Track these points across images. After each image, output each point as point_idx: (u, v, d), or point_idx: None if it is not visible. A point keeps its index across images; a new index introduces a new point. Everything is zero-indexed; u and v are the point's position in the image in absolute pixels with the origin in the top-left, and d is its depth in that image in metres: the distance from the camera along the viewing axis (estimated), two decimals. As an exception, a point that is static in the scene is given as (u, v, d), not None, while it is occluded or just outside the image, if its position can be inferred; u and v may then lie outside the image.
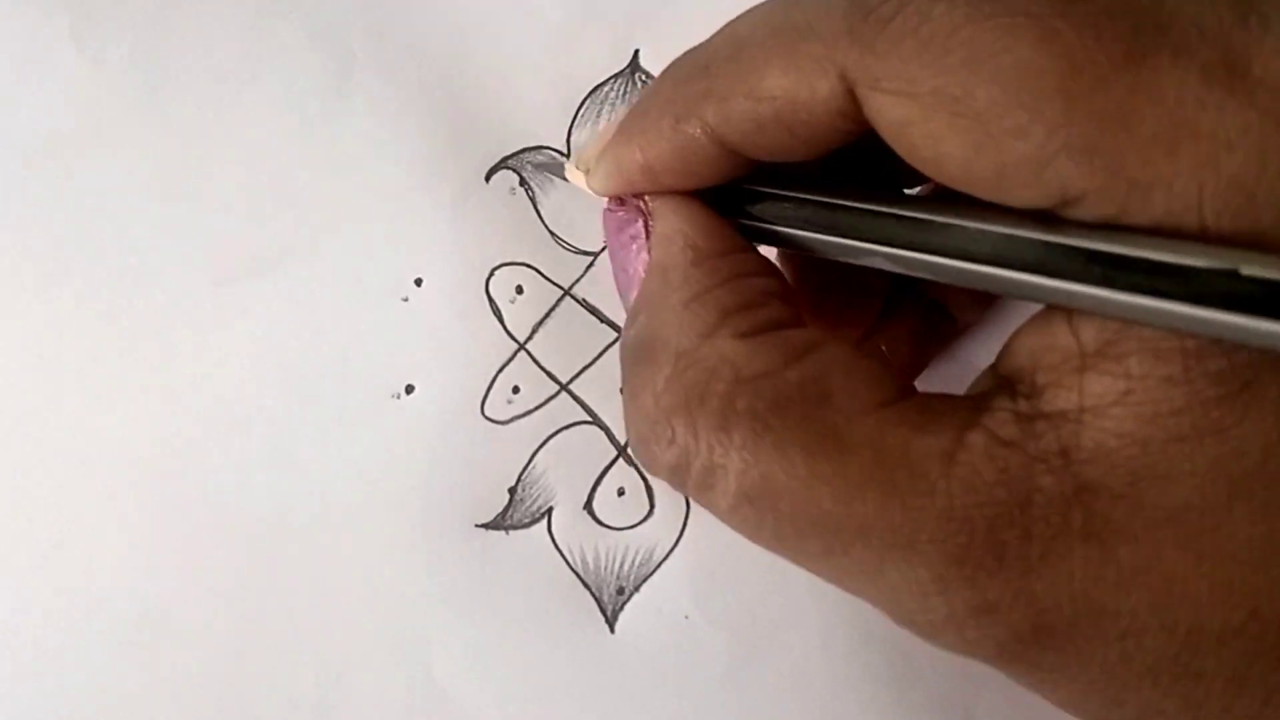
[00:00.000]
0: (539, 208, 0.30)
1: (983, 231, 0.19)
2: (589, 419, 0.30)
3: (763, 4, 0.22)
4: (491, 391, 0.29)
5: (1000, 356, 0.21)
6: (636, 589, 0.29)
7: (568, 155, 0.30)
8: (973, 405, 0.20)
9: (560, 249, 0.30)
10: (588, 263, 0.30)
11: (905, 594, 0.19)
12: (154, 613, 0.28)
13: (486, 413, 0.29)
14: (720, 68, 0.21)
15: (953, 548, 0.18)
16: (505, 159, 0.30)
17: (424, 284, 0.29)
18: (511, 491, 0.29)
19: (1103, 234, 0.18)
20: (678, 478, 0.21)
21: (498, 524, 0.29)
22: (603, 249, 0.30)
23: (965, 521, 0.18)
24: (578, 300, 0.30)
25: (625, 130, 0.24)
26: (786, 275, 0.25)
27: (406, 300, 0.29)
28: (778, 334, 0.21)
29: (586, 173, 0.25)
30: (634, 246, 0.24)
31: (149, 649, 0.28)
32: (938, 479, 0.19)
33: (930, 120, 0.18)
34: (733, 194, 0.23)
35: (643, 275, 0.23)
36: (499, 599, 0.29)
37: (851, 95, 0.19)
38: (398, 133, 0.29)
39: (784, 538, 0.20)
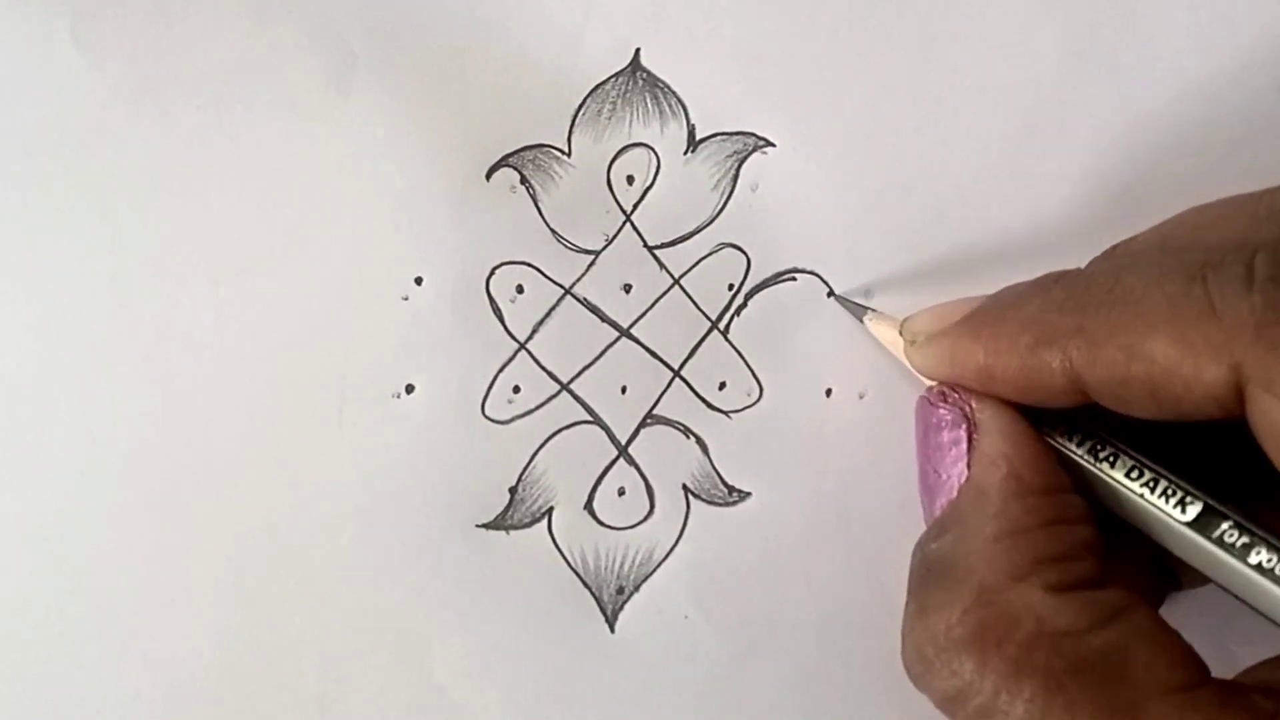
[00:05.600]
0: (540, 206, 0.30)
1: None
2: (589, 419, 0.30)
3: (1159, 263, 0.21)
4: (492, 391, 0.29)
5: None
6: (636, 589, 0.29)
7: (568, 154, 0.30)
8: (1275, 705, 0.19)
9: (561, 248, 0.30)
10: (589, 261, 0.30)
11: None
12: (153, 613, 0.29)
13: (487, 412, 0.29)
14: (1100, 310, 0.21)
15: None
16: (506, 157, 0.30)
17: (424, 283, 0.29)
18: (512, 491, 0.29)
19: None
20: (949, 706, 0.21)
21: (498, 524, 0.29)
22: (604, 248, 0.30)
23: None
24: (579, 299, 0.30)
25: (974, 326, 0.24)
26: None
27: (406, 300, 0.29)
28: (1087, 594, 0.21)
29: (911, 342, 0.25)
30: (952, 452, 0.24)
31: (148, 649, 0.29)
32: None
33: None
34: (1065, 416, 0.24)
35: (956, 487, 0.23)
36: (499, 599, 0.29)
37: (1238, 389, 0.19)
38: (398, 133, 0.29)
39: None
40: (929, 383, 0.26)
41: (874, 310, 0.29)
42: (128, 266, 0.29)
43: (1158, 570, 0.26)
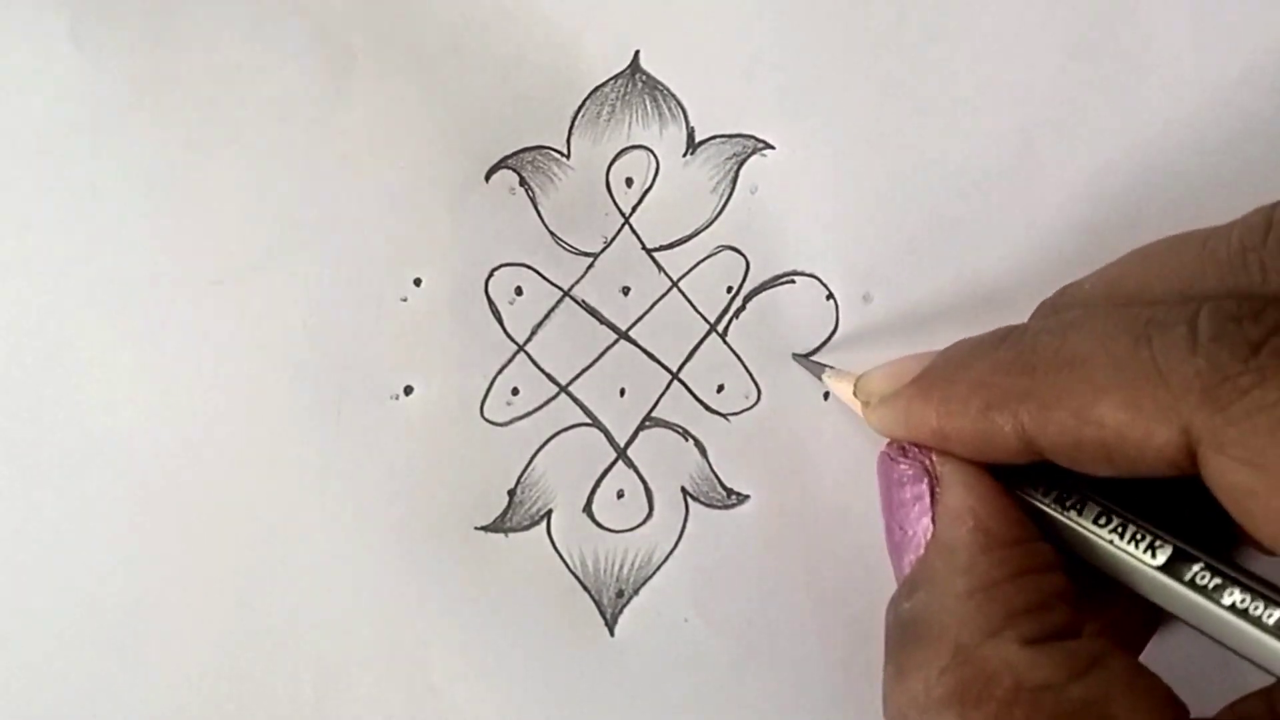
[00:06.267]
0: (539, 208, 0.30)
1: None
2: (588, 421, 0.30)
3: (1103, 322, 0.21)
4: (491, 393, 0.29)
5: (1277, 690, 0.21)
6: (636, 592, 0.29)
7: (567, 156, 0.30)
8: None
9: (560, 250, 0.30)
10: (588, 264, 0.30)
11: None
12: (152, 613, 0.28)
13: (486, 414, 0.29)
14: (1049, 374, 0.21)
15: None
16: (505, 158, 0.30)
17: (423, 284, 0.29)
18: (511, 494, 0.29)
19: None
20: None
21: (497, 526, 0.29)
22: (603, 250, 0.30)
23: None
24: (577, 301, 0.30)
25: (925, 388, 0.24)
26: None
27: (405, 301, 0.29)
28: (1063, 645, 0.21)
29: (865, 403, 0.26)
30: (915, 508, 0.24)
31: (147, 650, 0.28)
32: None
33: (1276, 497, 0.19)
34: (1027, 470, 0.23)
35: (923, 544, 0.23)
36: (498, 602, 0.29)
37: (1189, 450, 0.19)
38: (398, 133, 0.29)
39: None
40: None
41: (831, 368, 0.29)
42: (128, 266, 0.29)
43: (1142, 607, 0.26)
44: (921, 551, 0.23)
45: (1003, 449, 0.22)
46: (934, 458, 0.24)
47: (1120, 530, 0.23)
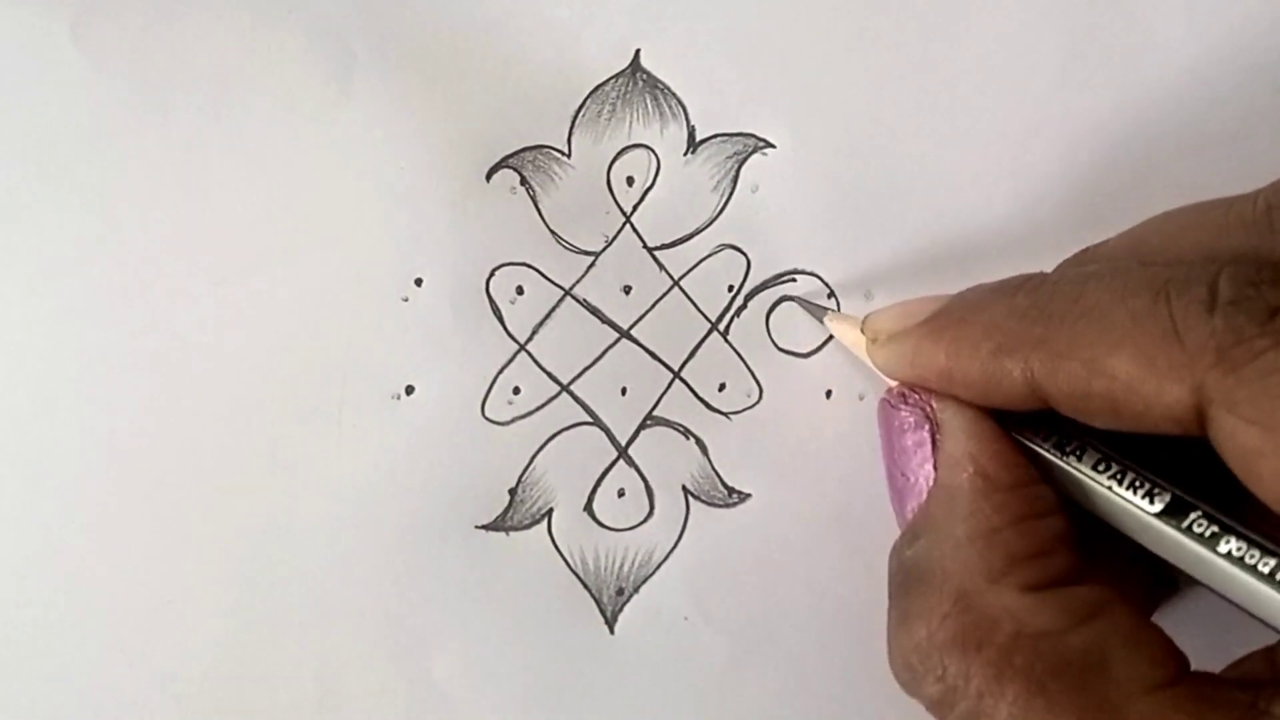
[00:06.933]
0: (540, 207, 0.30)
1: None
2: (589, 420, 0.30)
3: (1124, 276, 0.21)
4: (492, 392, 0.29)
5: None
6: (636, 590, 0.29)
7: (568, 155, 0.30)
8: (1252, 697, 0.20)
9: (561, 249, 0.30)
10: (589, 263, 0.30)
11: None
12: (153, 613, 0.29)
13: (487, 414, 0.29)
14: (1064, 323, 0.21)
15: None
16: (506, 158, 0.30)
17: (424, 284, 0.29)
18: (512, 493, 0.29)
19: None
20: (939, 710, 0.21)
21: (498, 525, 0.29)
22: (604, 249, 0.30)
23: None
24: (578, 300, 0.30)
25: (936, 328, 0.24)
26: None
27: (406, 300, 0.29)
28: (1064, 591, 0.21)
29: (873, 340, 0.25)
30: (917, 454, 0.24)
31: (148, 649, 0.28)
32: None
33: None
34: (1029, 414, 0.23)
35: (924, 490, 0.23)
36: (499, 600, 0.29)
37: (1198, 410, 0.20)
38: (398, 133, 0.29)
39: None
40: (891, 383, 0.26)
41: (833, 310, 0.29)
42: (128, 266, 0.29)
43: (1156, 574, 0.26)
44: (923, 498, 0.24)
45: (1009, 394, 0.22)
46: (934, 404, 0.24)
47: (1119, 477, 0.23)
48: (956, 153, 0.30)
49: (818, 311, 0.29)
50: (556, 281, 0.30)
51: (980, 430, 0.23)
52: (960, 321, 0.23)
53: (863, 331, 0.26)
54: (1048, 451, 0.24)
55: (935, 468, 0.23)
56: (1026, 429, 0.24)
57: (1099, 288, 0.21)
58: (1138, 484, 0.23)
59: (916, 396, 0.24)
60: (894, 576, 0.23)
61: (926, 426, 0.24)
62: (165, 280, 0.29)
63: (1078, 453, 0.23)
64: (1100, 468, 0.23)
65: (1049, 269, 0.26)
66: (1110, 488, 0.23)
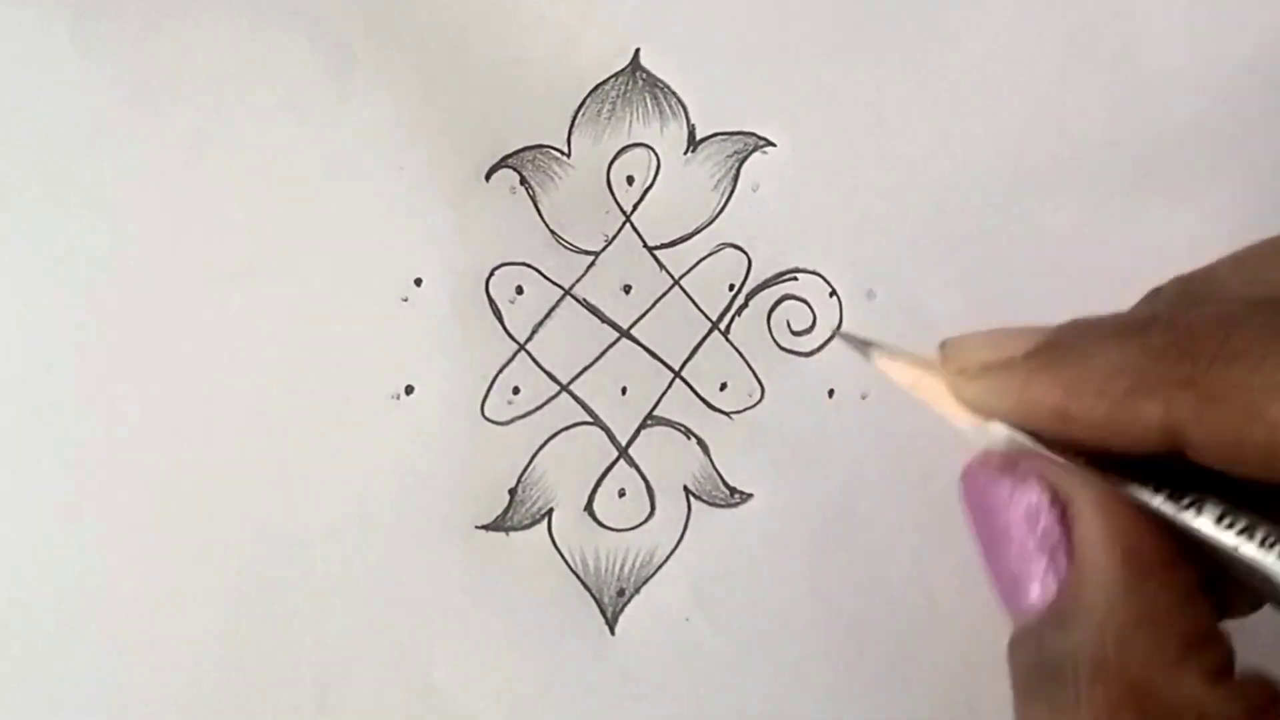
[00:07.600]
0: (539, 207, 0.30)
1: None
2: (589, 420, 0.30)
3: (1271, 316, 0.19)
4: (491, 392, 0.29)
5: None
6: (637, 591, 0.29)
7: (568, 154, 0.30)
8: None
9: (561, 248, 0.30)
10: (588, 262, 0.30)
11: None
12: (153, 613, 0.28)
13: (487, 413, 0.29)
14: (1213, 364, 0.19)
15: None
16: (506, 157, 0.30)
17: (424, 284, 0.29)
18: (512, 493, 0.29)
19: None
20: None
21: (498, 525, 0.29)
22: (604, 248, 0.30)
23: None
24: (578, 300, 0.30)
25: (1050, 363, 0.21)
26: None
27: (406, 300, 0.29)
28: (1247, 682, 0.19)
29: (960, 371, 0.22)
30: (1038, 535, 0.21)
31: (148, 649, 0.28)
32: None
33: None
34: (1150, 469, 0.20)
35: (1047, 572, 0.21)
36: (499, 600, 0.29)
37: None
38: (398, 133, 0.29)
39: None
40: (965, 426, 0.22)
41: (879, 345, 0.24)
42: (127, 266, 0.29)
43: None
44: (1057, 582, 0.21)
45: (1137, 439, 0.20)
46: (1055, 478, 0.21)
47: (1248, 532, 0.20)
48: (956, 152, 0.30)
49: (862, 348, 0.24)
50: (556, 281, 0.30)
51: (1110, 498, 0.20)
52: (1085, 354, 0.21)
53: (943, 358, 0.22)
54: (1165, 506, 0.20)
55: (1070, 548, 0.20)
56: (1136, 484, 0.21)
57: (1251, 330, 0.20)
58: (1269, 540, 0.20)
59: (1029, 464, 0.21)
60: (1031, 670, 0.21)
61: (1047, 498, 0.21)
62: (165, 280, 0.29)
63: (1197, 506, 0.20)
64: (1225, 522, 0.20)
65: (1049, 268, 0.26)
66: (1237, 548, 0.20)
